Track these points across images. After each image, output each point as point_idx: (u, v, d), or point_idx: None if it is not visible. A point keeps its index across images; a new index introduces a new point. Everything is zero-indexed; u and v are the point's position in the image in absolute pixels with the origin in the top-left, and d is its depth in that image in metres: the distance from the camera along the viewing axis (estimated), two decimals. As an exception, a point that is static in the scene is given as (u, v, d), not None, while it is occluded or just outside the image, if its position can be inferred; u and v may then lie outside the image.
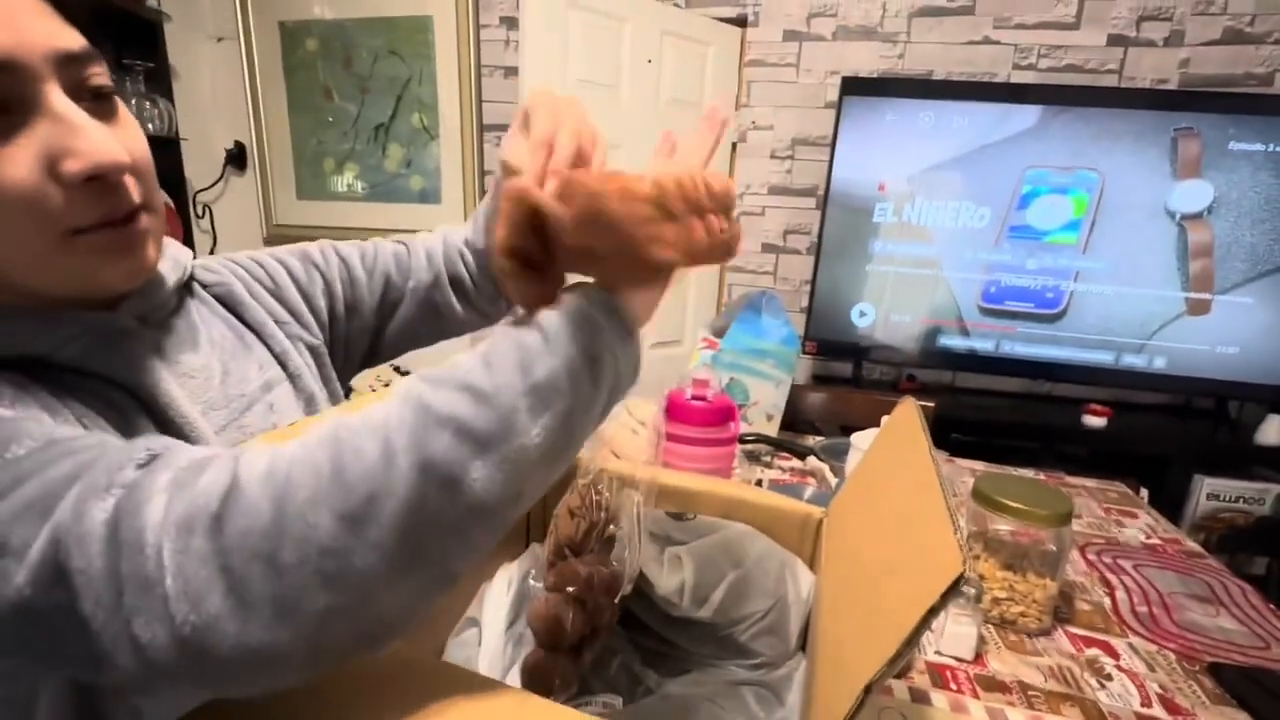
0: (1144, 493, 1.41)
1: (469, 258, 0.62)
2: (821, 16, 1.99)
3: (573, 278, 0.35)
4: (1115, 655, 0.66)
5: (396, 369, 2.18)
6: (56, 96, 0.33)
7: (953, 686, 0.60)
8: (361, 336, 0.61)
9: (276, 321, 0.53)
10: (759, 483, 1.03)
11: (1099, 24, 1.83)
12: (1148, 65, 1.83)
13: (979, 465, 1.19)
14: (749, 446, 1.14)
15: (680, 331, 2.20)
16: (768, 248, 2.20)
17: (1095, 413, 1.79)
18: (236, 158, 2.46)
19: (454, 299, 0.62)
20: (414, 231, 0.65)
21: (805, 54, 2.02)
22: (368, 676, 0.31)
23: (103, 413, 0.37)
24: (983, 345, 1.89)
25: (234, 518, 0.25)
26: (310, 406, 0.53)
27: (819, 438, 1.24)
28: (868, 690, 0.25)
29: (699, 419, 0.87)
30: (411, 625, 0.29)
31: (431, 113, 2.27)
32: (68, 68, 0.34)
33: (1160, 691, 0.61)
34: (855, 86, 1.84)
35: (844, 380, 2.12)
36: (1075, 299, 1.80)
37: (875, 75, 1.97)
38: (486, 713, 0.30)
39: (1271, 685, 0.60)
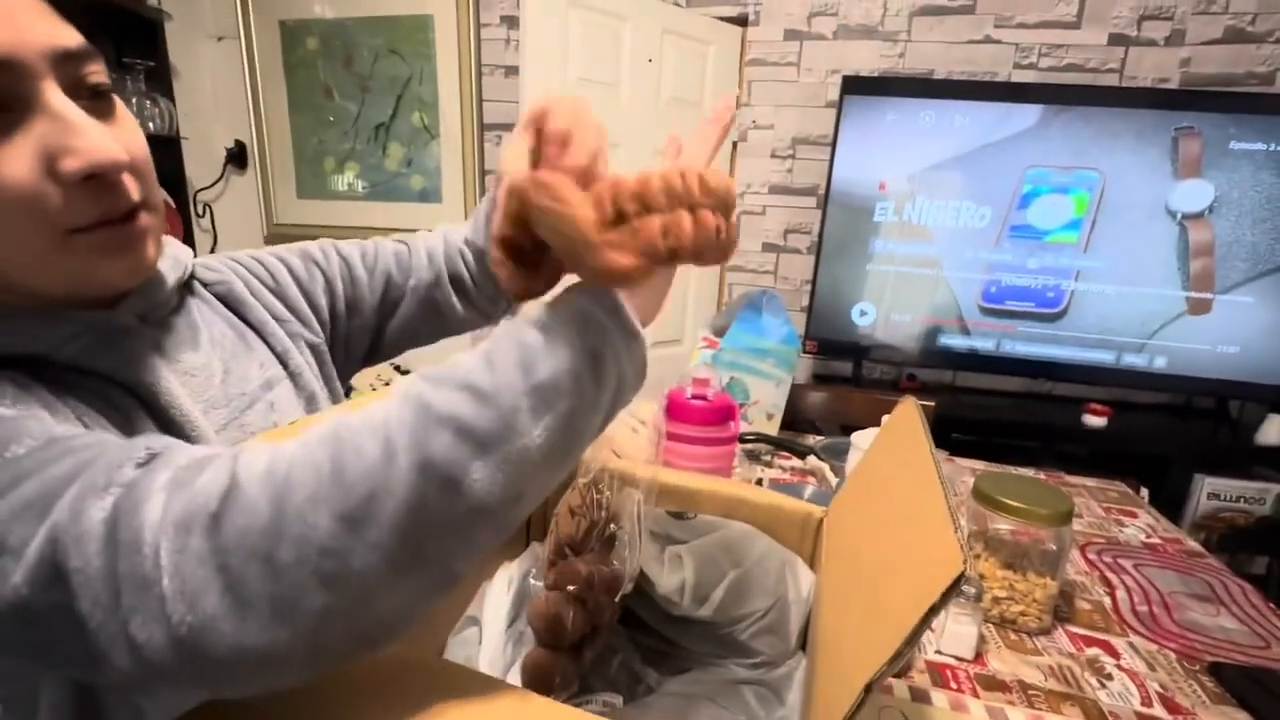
0: (1144, 492, 1.41)
1: (469, 257, 0.62)
2: (822, 16, 1.99)
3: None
4: (1116, 655, 0.66)
5: (397, 368, 2.18)
6: (54, 95, 0.33)
7: (953, 686, 0.60)
8: (362, 335, 0.61)
9: (277, 320, 0.53)
10: (759, 482, 1.03)
11: (1100, 23, 1.83)
12: (1149, 64, 1.83)
13: (979, 464, 1.19)
14: (749, 446, 1.14)
15: (680, 331, 2.20)
16: (768, 247, 2.20)
17: (1096, 412, 1.79)
18: (237, 157, 2.46)
19: (454, 298, 0.62)
20: (414, 231, 0.66)
21: (806, 53, 2.02)
22: (368, 675, 0.31)
23: (103, 411, 0.37)
24: (983, 344, 1.89)
25: (232, 517, 0.25)
26: (311, 405, 0.53)
27: (819, 437, 1.24)
28: (868, 689, 0.25)
29: (699, 418, 0.87)
30: (411, 626, 0.28)
31: (432, 112, 2.27)
32: (65, 66, 0.34)
33: (1160, 691, 0.61)
34: (856, 86, 1.84)
35: (844, 379, 2.12)
36: (1076, 298, 1.80)
37: (876, 74, 1.97)
38: (487, 711, 0.30)
39: (1272, 685, 0.60)
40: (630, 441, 0.89)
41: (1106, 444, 1.83)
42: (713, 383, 0.89)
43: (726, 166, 2.14)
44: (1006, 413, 1.89)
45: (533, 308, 0.33)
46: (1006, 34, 1.89)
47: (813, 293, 1.96)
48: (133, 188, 0.37)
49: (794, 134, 2.08)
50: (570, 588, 0.42)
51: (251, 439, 0.30)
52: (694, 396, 0.88)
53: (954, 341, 1.91)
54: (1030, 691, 0.60)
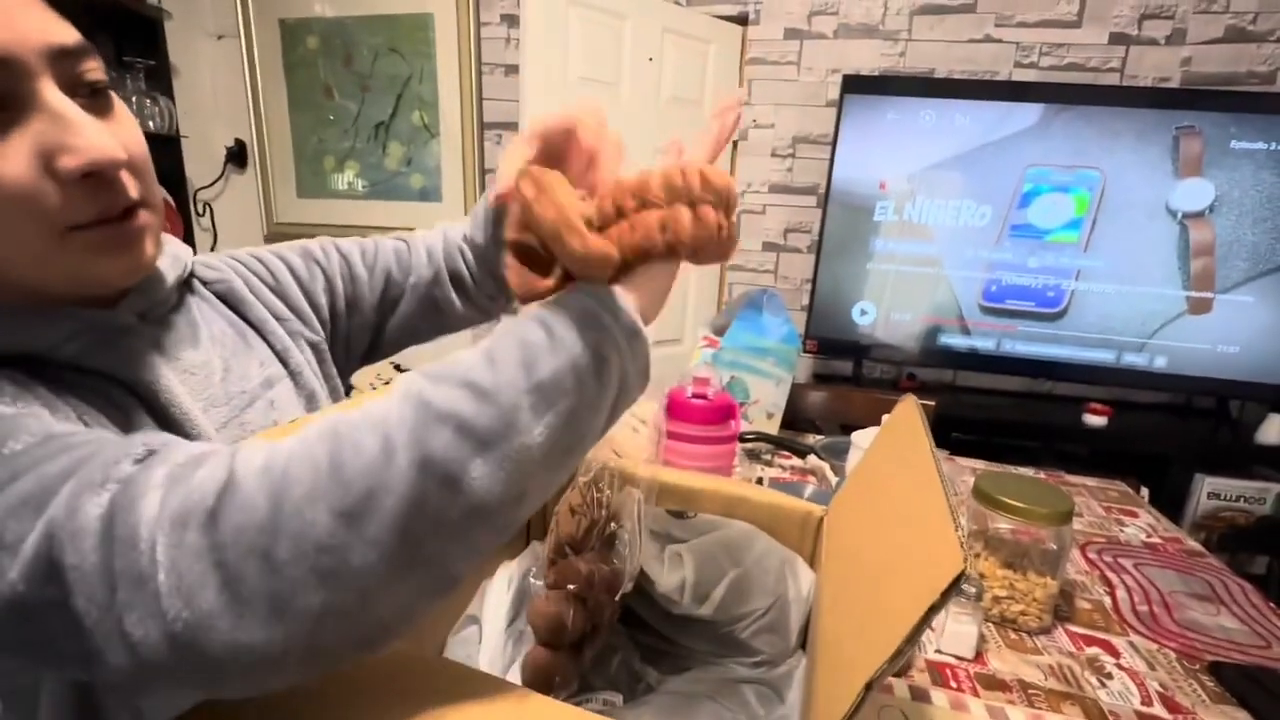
0: (1144, 492, 1.42)
1: (468, 254, 0.62)
2: (823, 14, 1.98)
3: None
4: (1116, 654, 0.66)
5: (396, 367, 2.18)
6: (51, 92, 0.33)
7: (953, 685, 0.60)
8: (362, 333, 0.61)
9: (277, 318, 0.53)
10: (759, 481, 1.03)
11: (1101, 22, 1.83)
12: (1149, 63, 1.83)
13: (979, 464, 1.19)
14: (749, 445, 1.14)
15: (681, 330, 2.20)
16: (768, 246, 2.19)
17: (1096, 412, 1.79)
18: (237, 155, 2.45)
19: (454, 295, 0.62)
20: (414, 229, 0.65)
21: (806, 52, 2.02)
22: (368, 674, 0.31)
23: (103, 410, 0.37)
24: (983, 344, 1.89)
25: (229, 513, 0.24)
26: (311, 403, 0.53)
27: (819, 436, 1.24)
28: (868, 688, 0.25)
29: (700, 417, 0.87)
30: (409, 628, 0.28)
31: (432, 111, 2.26)
32: (62, 63, 0.34)
33: (1160, 690, 0.61)
34: (856, 85, 1.84)
35: (844, 379, 2.12)
36: (1076, 298, 1.80)
37: (876, 73, 1.96)
38: (487, 710, 0.30)
39: (1271, 684, 0.60)
40: (631, 440, 0.89)
41: (1107, 443, 1.83)
42: (713, 382, 0.89)
43: (727, 165, 2.14)
44: (1007, 412, 1.89)
45: (534, 306, 0.33)
46: (1007, 33, 1.88)
47: (813, 292, 1.96)
48: (131, 185, 0.37)
49: (794, 133, 2.08)
50: (570, 586, 0.42)
51: (251, 437, 0.30)
52: (694, 395, 0.88)
53: (954, 341, 1.91)
54: (1030, 691, 0.60)
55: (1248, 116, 1.62)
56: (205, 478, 0.25)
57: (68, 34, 0.34)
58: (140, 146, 0.38)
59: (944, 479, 0.34)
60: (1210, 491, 1.71)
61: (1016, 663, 0.64)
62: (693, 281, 2.21)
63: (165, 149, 2.15)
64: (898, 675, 0.61)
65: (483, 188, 2.26)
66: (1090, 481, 1.15)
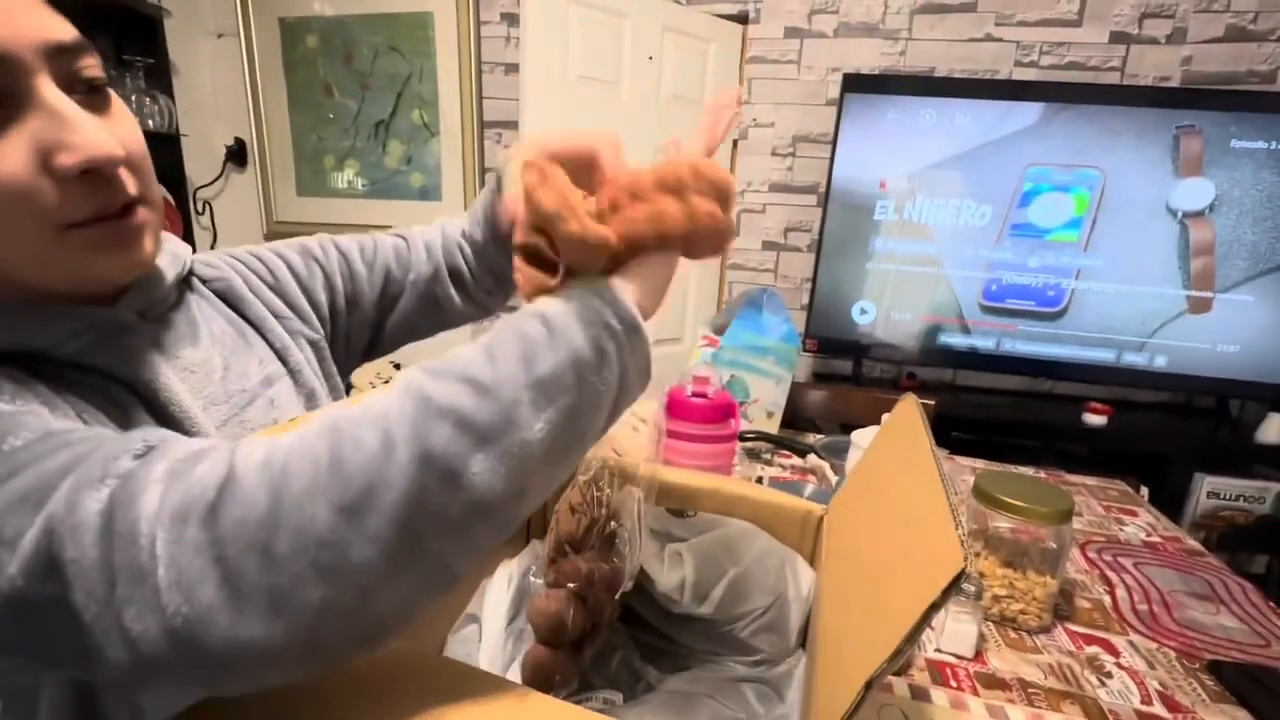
0: (1144, 491, 1.42)
1: (467, 250, 0.62)
2: (823, 13, 1.98)
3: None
4: (1115, 653, 0.66)
5: (396, 366, 2.18)
6: (48, 89, 0.33)
7: (953, 684, 0.60)
8: (362, 330, 0.61)
9: (276, 317, 0.53)
10: (759, 480, 1.03)
11: (1101, 21, 1.83)
12: (1150, 63, 1.82)
13: (979, 463, 1.19)
14: (749, 444, 1.14)
15: (680, 329, 2.20)
16: (768, 245, 2.19)
17: (1096, 411, 1.79)
18: (237, 154, 2.45)
19: (453, 291, 0.62)
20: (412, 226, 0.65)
21: (806, 51, 2.02)
22: (367, 673, 0.31)
23: (102, 408, 0.37)
24: (983, 343, 1.89)
25: (229, 508, 0.24)
26: (311, 402, 0.53)
27: (819, 435, 1.24)
28: (868, 687, 0.25)
29: (699, 416, 0.87)
30: (408, 625, 0.28)
31: (432, 109, 2.26)
32: (59, 60, 0.34)
33: (1160, 689, 0.61)
34: (856, 84, 1.84)
35: (844, 378, 2.12)
36: (1076, 297, 1.80)
37: (877, 72, 1.96)
38: (487, 709, 0.30)
39: (1271, 683, 0.60)
40: (631, 439, 0.89)
41: (1106, 443, 1.83)
42: (713, 381, 0.89)
43: (727, 164, 2.14)
44: (1006, 411, 1.89)
45: (535, 301, 0.33)
46: (1007, 32, 1.88)
47: (813, 291, 1.96)
48: (129, 182, 0.36)
49: (794, 132, 2.08)
50: (570, 585, 0.42)
51: (251, 435, 0.30)
52: (694, 394, 0.88)
53: (954, 340, 1.91)
54: (1030, 689, 0.60)
55: (1248, 116, 1.62)
56: (205, 473, 0.25)
57: (65, 31, 0.34)
58: (138, 144, 0.38)
59: (944, 478, 0.34)
60: (1210, 491, 1.71)
61: (1016, 662, 0.64)
62: (693, 280, 2.21)
63: (165, 148, 2.15)
64: (898, 674, 0.61)
65: (483, 186, 2.26)
66: (1090, 481, 1.15)
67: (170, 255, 0.46)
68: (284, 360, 0.52)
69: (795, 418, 1.56)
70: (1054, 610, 0.70)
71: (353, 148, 2.37)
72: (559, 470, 0.31)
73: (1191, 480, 1.72)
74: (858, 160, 1.85)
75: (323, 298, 0.57)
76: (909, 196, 1.85)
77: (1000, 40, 1.89)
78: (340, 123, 2.36)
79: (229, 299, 0.51)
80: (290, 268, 0.56)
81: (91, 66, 0.35)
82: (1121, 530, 0.95)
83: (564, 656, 0.42)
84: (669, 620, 0.50)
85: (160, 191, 0.41)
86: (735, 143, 2.12)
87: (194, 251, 0.50)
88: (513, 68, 2.14)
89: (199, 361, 0.45)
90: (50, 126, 0.32)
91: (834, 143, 1.86)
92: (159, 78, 2.12)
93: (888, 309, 1.93)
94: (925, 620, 0.25)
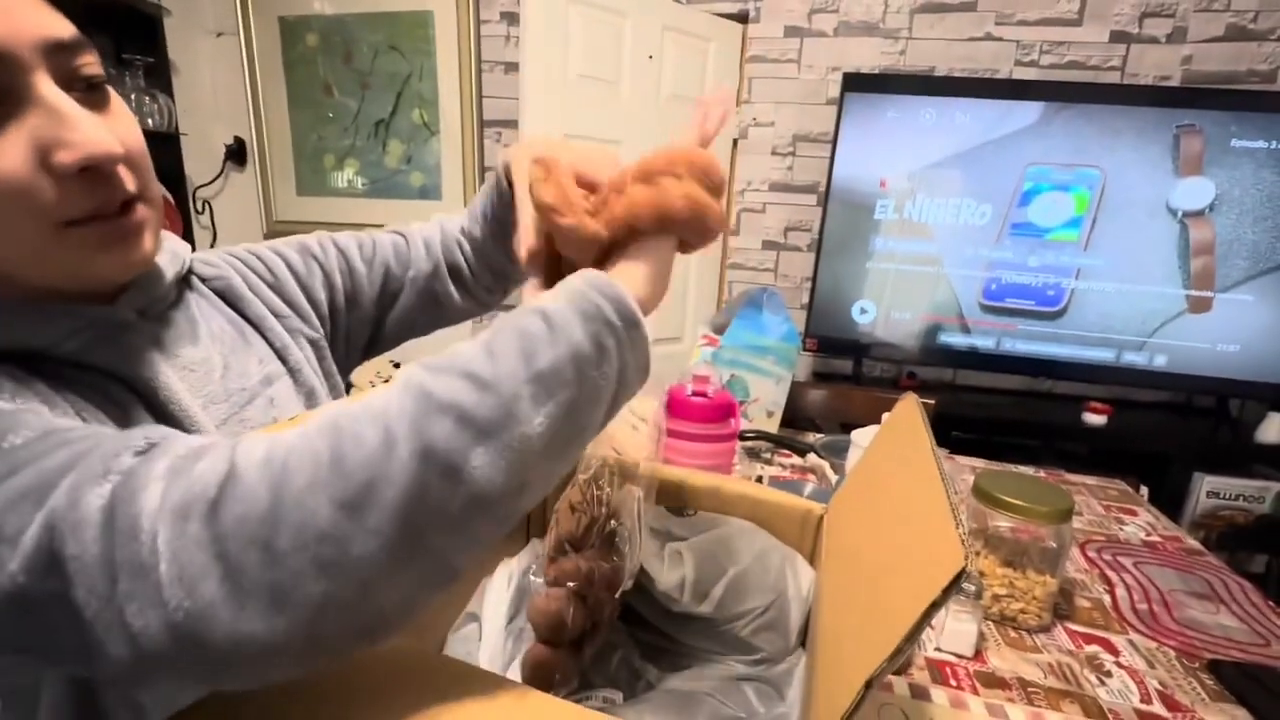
0: (1144, 490, 1.42)
1: (466, 247, 0.62)
2: (823, 12, 1.98)
3: None
4: (1115, 652, 0.66)
5: (396, 365, 2.18)
6: (47, 87, 0.33)
7: (953, 683, 0.60)
8: (362, 327, 0.61)
9: (276, 315, 0.53)
10: (759, 479, 1.03)
11: (1101, 20, 1.83)
12: (1150, 62, 1.82)
13: (979, 463, 1.19)
14: (749, 443, 1.14)
15: (680, 328, 2.20)
16: (768, 244, 2.19)
17: (1096, 410, 1.79)
18: (236, 153, 2.45)
19: (452, 288, 0.62)
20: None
21: (806, 50, 2.02)
22: (368, 671, 0.31)
23: (102, 406, 0.37)
24: (983, 343, 1.89)
25: (231, 504, 0.24)
26: (311, 400, 0.53)
27: (819, 435, 1.24)
28: (868, 686, 0.25)
29: (699, 415, 0.87)
30: (409, 620, 0.28)
31: (432, 108, 2.26)
32: (58, 57, 0.33)
33: (1160, 688, 0.61)
34: (856, 83, 1.84)
35: (844, 377, 2.12)
36: (1076, 296, 1.80)
37: (877, 71, 1.96)
38: (487, 707, 0.30)
39: (1271, 682, 0.60)
40: (630, 438, 0.89)
41: (1106, 442, 1.83)
42: (713, 380, 0.89)
43: (727, 164, 2.13)
44: (1006, 411, 1.89)
45: (534, 298, 0.33)
46: (1008, 31, 1.88)
47: (813, 290, 1.96)
48: (128, 180, 0.36)
49: (794, 131, 2.08)
50: (570, 584, 0.42)
51: (251, 433, 0.30)
52: (694, 394, 0.88)
53: (954, 339, 1.91)
54: (1030, 689, 0.60)
55: (1248, 115, 1.62)
56: (206, 469, 0.25)
57: (63, 28, 0.34)
58: (137, 141, 0.38)
59: (945, 477, 0.34)
60: (1210, 490, 1.71)
61: (1016, 661, 0.64)
62: (693, 280, 2.21)
63: (164, 147, 2.15)
64: (898, 673, 0.61)
65: (483, 185, 2.26)
66: (1090, 480, 1.15)
67: (170, 254, 0.45)
68: (283, 359, 0.52)
69: (795, 417, 1.56)
70: (1054, 609, 0.70)
71: (353, 147, 2.37)
72: (559, 464, 0.31)
73: (1191, 480, 1.72)
74: (858, 159, 1.85)
75: (322, 296, 0.57)
76: (909, 196, 1.85)
77: (1000, 39, 1.89)
78: (340, 122, 2.36)
79: (228, 298, 0.51)
80: (289, 266, 0.56)
81: (90, 64, 0.35)
82: (1121, 530, 0.95)
83: (564, 655, 0.42)
84: (669, 619, 0.50)
85: (160, 190, 0.41)
86: (735, 142, 2.12)
87: (193, 250, 0.50)
88: (513, 67, 2.14)
89: (199, 360, 0.45)
90: (49, 124, 0.32)
91: (834, 142, 1.86)
92: (158, 76, 2.11)
93: (888, 308, 1.93)
94: (925, 619, 0.25)
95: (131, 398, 0.39)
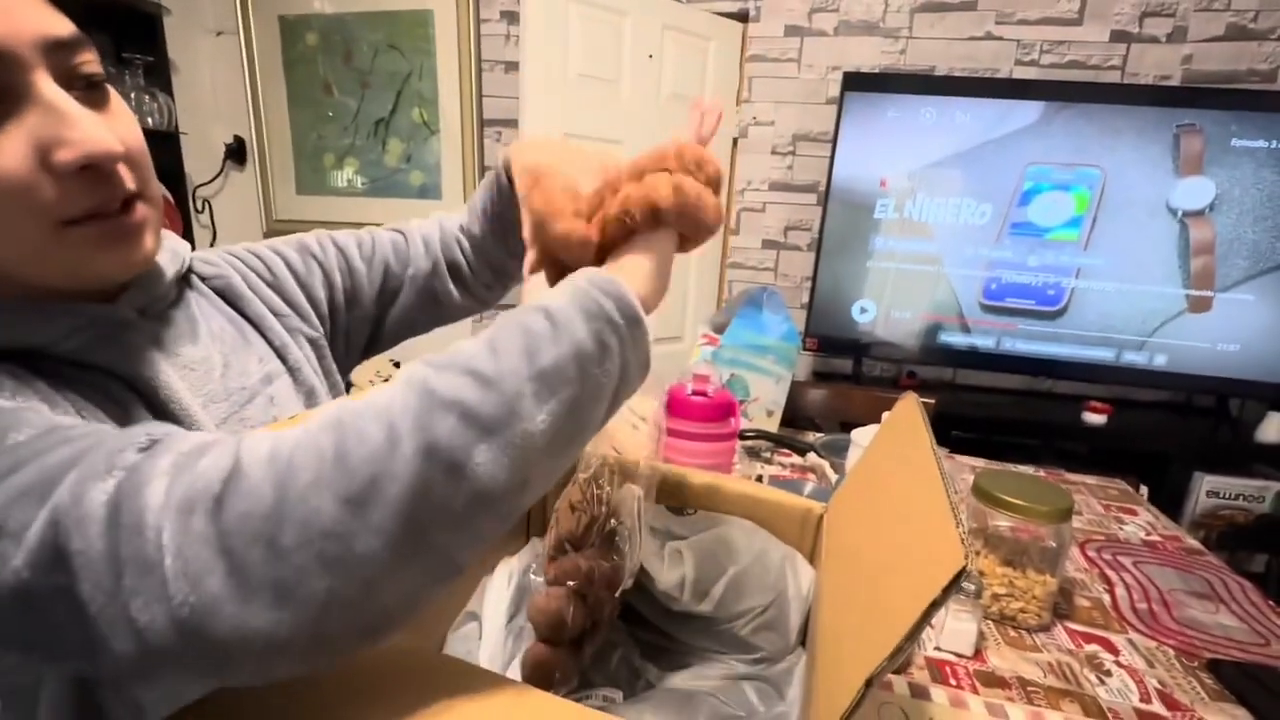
0: (1144, 490, 1.42)
1: (465, 244, 0.62)
2: (823, 12, 1.98)
3: None
4: (1115, 651, 0.66)
5: (395, 364, 2.18)
6: (46, 85, 0.33)
7: (952, 682, 0.60)
8: (362, 326, 0.61)
9: (275, 314, 0.53)
10: (759, 478, 1.03)
11: (1102, 20, 1.83)
12: (1150, 61, 1.82)
13: (979, 462, 1.19)
14: (749, 442, 1.14)
15: (681, 328, 2.20)
16: (768, 244, 2.19)
17: (1096, 410, 1.79)
18: (236, 152, 2.45)
19: (451, 286, 0.62)
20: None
21: (807, 49, 2.02)
22: (368, 669, 0.31)
23: (102, 405, 0.37)
24: (983, 342, 1.89)
25: (235, 500, 0.25)
26: (311, 400, 0.53)
27: (819, 434, 1.24)
28: (868, 685, 0.25)
29: (699, 414, 0.87)
30: (412, 618, 0.28)
31: (432, 108, 2.26)
32: (57, 55, 0.33)
33: (1159, 687, 0.61)
34: (857, 82, 1.84)
35: (844, 377, 2.12)
36: (1076, 296, 1.80)
37: (877, 71, 1.96)
38: (486, 705, 0.30)
39: (1270, 682, 0.60)
40: (630, 438, 0.89)
41: (1106, 441, 1.83)
42: (713, 379, 0.89)
43: (727, 163, 2.13)
44: (1006, 410, 1.89)
45: (537, 295, 0.33)
46: (1008, 30, 1.88)
47: (813, 290, 1.96)
48: (128, 178, 0.36)
49: (794, 130, 2.08)
50: (570, 583, 0.42)
51: (252, 431, 0.30)
52: (694, 393, 0.88)
53: (954, 339, 1.91)
54: (1029, 688, 0.60)
55: (1248, 114, 1.62)
56: (210, 465, 0.26)
57: (62, 26, 0.34)
58: (137, 140, 0.38)
59: (945, 476, 0.34)
60: (1209, 490, 1.71)
61: (1016, 660, 0.64)
62: (693, 279, 2.21)
63: (164, 146, 2.14)
64: (897, 672, 0.61)
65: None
66: (1090, 479, 1.15)
67: (170, 253, 0.45)
68: (283, 358, 0.52)
69: (795, 416, 1.56)
70: (1053, 609, 0.70)
71: (352, 146, 2.37)
72: (560, 461, 0.31)
73: (1191, 479, 1.72)
74: (858, 159, 1.85)
75: (321, 295, 0.57)
76: (909, 195, 1.85)
77: (1001, 39, 1.89)
78: (340, 121, 2.35)
79: (228, 297, 0.51)
80: (289, 265, 0.56)
81: (90, 62, 0.35)
82: (1121, 529, 0.96)
83: (564, 654, 0.42)
84: (669, 618, 0.50)
85: (160, 189, 0.41)
86: (735, 141, 2.12)
87: (193, 249, 0.50)
88: (513, 66, 2.14)
89: (199, 359, 0.45)
90: (49, 122, 0.32)
91: (834, 141, 1.86)
92: (158, 75, 2.11)
93: (888, 308, 1.93)
94: (925, 618, 0.25)
95: (131, 396, 0.39)
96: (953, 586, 0.25)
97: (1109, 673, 0.63)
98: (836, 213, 1.89)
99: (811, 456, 1.10)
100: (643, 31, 1.92)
